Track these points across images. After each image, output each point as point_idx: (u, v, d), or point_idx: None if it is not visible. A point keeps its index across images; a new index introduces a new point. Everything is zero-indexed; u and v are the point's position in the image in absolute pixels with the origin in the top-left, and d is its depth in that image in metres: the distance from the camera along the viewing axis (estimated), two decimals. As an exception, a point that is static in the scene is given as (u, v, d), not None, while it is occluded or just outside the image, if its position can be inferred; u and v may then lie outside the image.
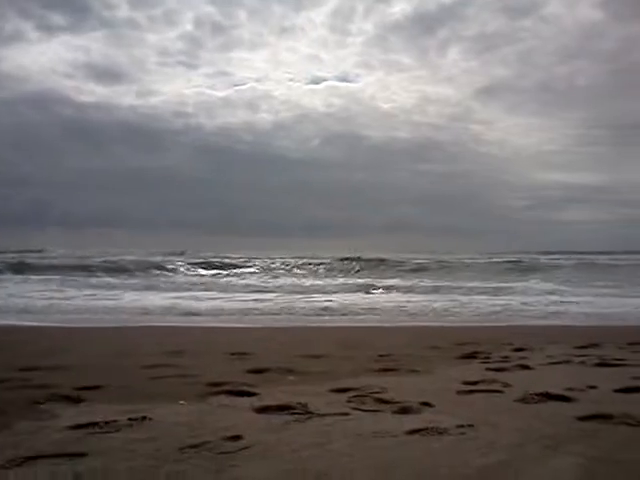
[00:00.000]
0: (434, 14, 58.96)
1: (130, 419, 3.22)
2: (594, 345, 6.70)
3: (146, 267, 24.12)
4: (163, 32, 63.57)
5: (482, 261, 29.80)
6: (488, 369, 5.06)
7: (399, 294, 15.87)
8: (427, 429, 3.02)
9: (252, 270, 24.42)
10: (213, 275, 23.16)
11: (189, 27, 64.53)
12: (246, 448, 2.77)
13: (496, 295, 15.81)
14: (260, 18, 65.72)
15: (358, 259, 27.64)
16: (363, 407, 3.57)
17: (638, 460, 2.59)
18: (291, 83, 65.77)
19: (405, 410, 3.45)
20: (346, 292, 16.52)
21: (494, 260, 29.41)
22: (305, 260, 27.05)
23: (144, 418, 3.25)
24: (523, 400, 3.74)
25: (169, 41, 62.76)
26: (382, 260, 27.25)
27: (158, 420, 3.25)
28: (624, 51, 59.25)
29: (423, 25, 61.88)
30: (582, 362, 5.45)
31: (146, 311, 11.69)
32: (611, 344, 6.79)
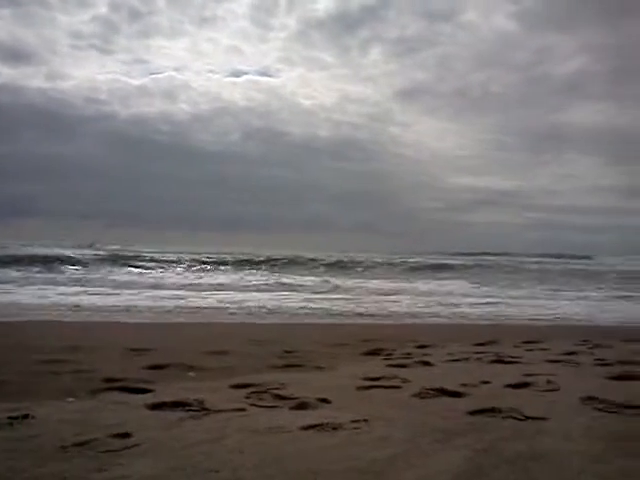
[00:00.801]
0: (356, 14, 59.73)
1: (10, 417, 3.03)
2: (492, 343, 6.98)
3: (49, 260, 22.98)
4: (76, 14, 60.56)
5: (398, 260, 30.44)
6: (390, 365, 5.15)
7: (306, 293, 15.92)
8: (322, 425, 3.02)
9: (161, 265, 23.73)
10: (120, 269, 22.37)
11: (104, 10, 61.88)
12: (134, 446, 2.66)
13: (401, 294, 16.21)
14: (179, 6, 64.13)
15: (268, 257, 27.49)
16: (260, 403, 3.54)
17: (520, 451, 2.69)
18: (211, 75, 64.66)
19: (302, 406, 3.44)
20: (254, 290, 16.43)
21: (404, 260, 30.11)
22: (217, 256, 26.57)
23: (26, 416, 3.06)
24: (419, 395, 3.82)
25: (82, 23, 60.02)
26: (293, 258, 27.24)
27: (42, 418, 3.07)
28: (536, 61, 62.19)
29: (345, 24, 62.54)
30: (479, 359, 5.65)
31: (43, 305, 11.14)
32: (508, 342, 7.08)
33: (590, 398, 3.73)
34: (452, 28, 60.39)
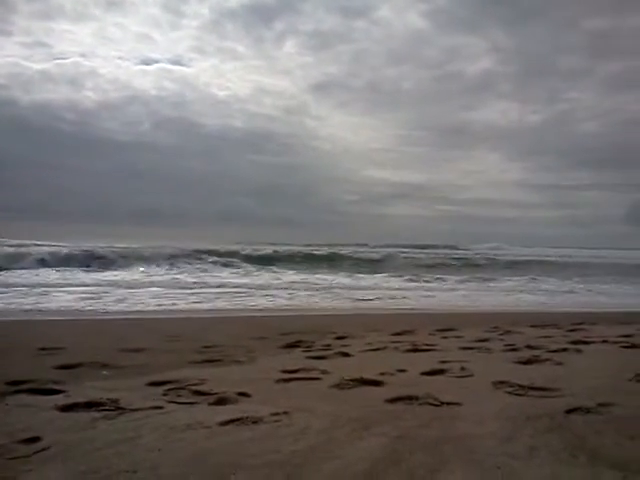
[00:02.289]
0: (271, 5, 59.24)
1: None
2: (408, 332, 7.15)
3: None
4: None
5: (314, 252, 30.55)
6: (309, 357, 5.18)
7: (226, 287, 15.76)
8: (242, 419, 3.00)
9: (66, 259, 22.65)
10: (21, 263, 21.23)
11: (-2, -14, 58.03)
12: (44, 450, 2.55)
13: (319, 284, 16.36)
14: (84, -12, 60.75)
15: (182, 250, 26.84)
16: (179, 400, 3.47)
17: (436, 437, 2.77)
18: (120, 62, 62.09)
19: (221, 401, 3.40)
20: (169, 285, 16.09)
21: (319, 252, 30.23)
22: (128, 249, 25.66)
23: None
24: (338, 386, 3.86)
25: (-26, 0, 55.99)
26: (205, 251, 26.73)
27: (-59, 425, 2.89)
28: (447, 60, 64.06)
29: (260, 15, 61.94)
30: (396, 348, 5.78)
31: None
32: (424, 331, 7.29)
33: (501, 382, 3.90)
34: (366, 24, 61.31)
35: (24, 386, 3.76)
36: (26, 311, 9.72)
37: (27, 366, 4.56)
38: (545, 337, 6.64)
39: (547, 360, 4.91)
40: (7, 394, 3.56)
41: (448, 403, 3.38)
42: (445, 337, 6.78)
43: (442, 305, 12.33)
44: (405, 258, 29.43)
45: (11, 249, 22.84)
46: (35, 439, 2.67)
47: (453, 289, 17.08)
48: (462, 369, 4.46)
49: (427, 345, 5.94)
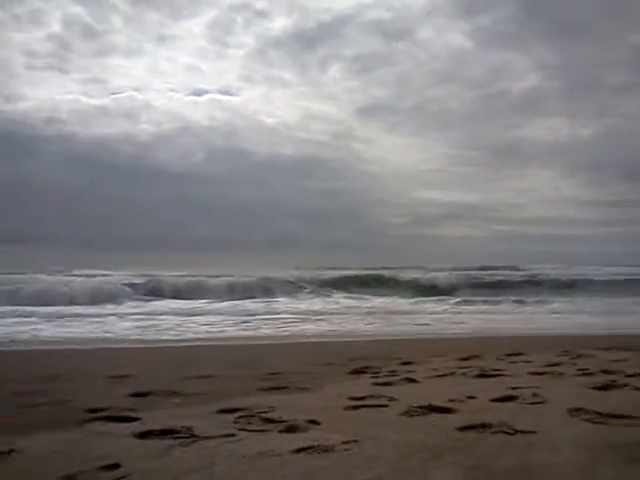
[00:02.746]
0: (313, 32, 60.02)
1: (-5, 452, 2.97)
2: (475, 357, 7.01)
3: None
4: (29, 32, 59.33)
5: (368, 274, 30.30)
6: (376, 384, 5.15)
7: (285, 314, 15.87)
8: (312, 447, 3.00)
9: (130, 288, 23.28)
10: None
11: (57, 28, 60.71)
12: (124, 477, 2.62)
13: (377, 308, 16.26)
14: (136, 25, 63.20)
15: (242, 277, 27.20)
16: (249, 427, 3.50)
17: (512, 466, 2.70)
18: (172, 94, 63.98)
19: (291, 429, 3.42)
20: (229, 312, 16.32)
21: (370, 275, 29.88)
22: (185, 276, 26.22)
23: (12, 451, 3.00)
24: (407, 413, 3.82)
25: (37, 42, 58.88)
26: (261, 277, 26.94)
27: (28, 452, 3.01)
28: (492, 79, 63.19)
29: (303, 42, 62.85)
30: (464, 374, 5.67)
31: (19, 332, 10.94)
32: (491, 355, 7.13)
33: (577, 409, 3.77)
34: (408, 45, 61.19)
35: (101, 414, 3.88)
36: (95, 340, 10.06)
37: (102, 394, 4.72)
38: (619, 361, 6.39)
39: (625, 385, 4.72)
40: (85, 421, 3.69)
41: (522, 431, 3.29)
42: (513, 362, 6.61)
43: (507, 328, 12.04)
44: (463, 280, 28.89)
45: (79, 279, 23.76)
46: (115, 466, 2.74)
47: (516, 311, 16.69)
48: (534, 395, 4.34)
49: (495, 370, 5.81)
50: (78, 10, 55.97)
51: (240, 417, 3.75)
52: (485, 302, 19.80)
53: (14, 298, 18.85)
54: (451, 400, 4.16)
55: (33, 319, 13.51)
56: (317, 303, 20.09)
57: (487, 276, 30.31)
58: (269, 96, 65.71)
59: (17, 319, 13.51)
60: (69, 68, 63.93)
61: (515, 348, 7.82)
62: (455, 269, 31.56)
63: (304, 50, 63.23)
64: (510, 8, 55.25)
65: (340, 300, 21.09)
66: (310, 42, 61.61)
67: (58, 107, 56.96)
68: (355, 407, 4.11)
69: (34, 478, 2.60)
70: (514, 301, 19.68)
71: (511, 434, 3.26)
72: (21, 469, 2.75)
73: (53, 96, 56.08)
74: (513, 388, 4.67)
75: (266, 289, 24.63)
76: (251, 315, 14.99)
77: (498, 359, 6.85)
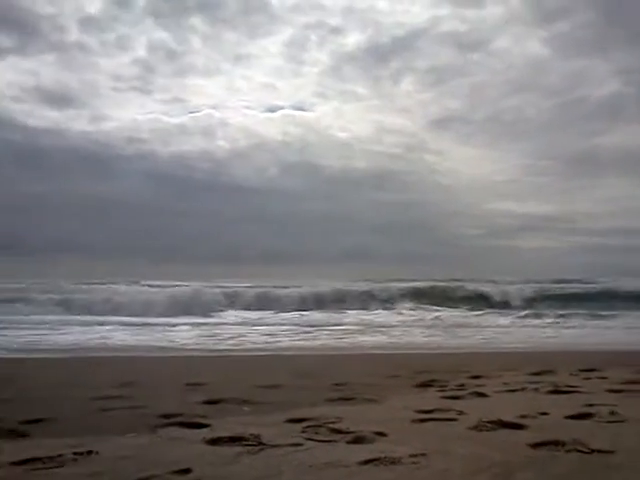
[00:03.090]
0: (387, 46, 60.15)
1: (75, 453, 3.10)
2: (548, 372, 6.80)
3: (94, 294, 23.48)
4: (116, 57, 62.65)
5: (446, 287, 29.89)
6: (444, 397, 5.07)
7: (353, 324, 15.85)
8: (380, 459, 2.99)
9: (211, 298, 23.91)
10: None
11: (142, 52, 63.84)
12: (195, 482, 2.69)
13: (448, 320, 16.00)
14: (214, 45, 65.46)
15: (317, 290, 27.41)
16: (317, 437, 3.52)
17: (587, 486, 2.61)
18: (247, 111, 65.54)
19: (359, 440, 3.41)
20: (297, 323, 16.44)
21: (441, 288, 29.39)
22: (261, 289, 26.68)
23: (90, 452, 3.13)
24: (476, 428, 3.74)
25: (122, 66, 62.00)
26: (330, 289, 27.01)
27: (105, 454, 3.14)
28: (570, 86, 61.22)
29: (376, 56, 63.07)
30: (536, 389, 5.51)
31: (96, 340, 11.41)
32: (564, 371, 6.90)
33: (657, 429, 3.60)
34: (483, 56, 60.19)
35: (174, 419, 4.00)
36: (169, 348, 10.36)
37: (175, 400, 4.85)
38: None
39: None
40: (159, 426, 3.80)
41: (599, 450, 3.16)
42: (588, 378, 6.37)
43: (581, 343, 11.61)
44: (536, 292, 27.99)
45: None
46: (187, 470, 2.82)
47: (591, 325, 16.06)
48: (612, 413, 4.16)
49: (569, 386, 5.61)
50: (162, 35, 58.85)
51: (308, 427, 3.78)
52: (559, 315, 19.16)
53: (94, 307, 19.74)
54: (522, 416, 4.05)
55: (107, 327, 14.07)
56: (385, 315, 20.02)
57: (561, 288, 29.25)
58: (342, 110, 66.36)
59: (93, 327, 14.10)
60: (151, 89, 66.81)
61: (589, 364, 7.53)
62: (529, 281, 30.63)
63: (377, 64, 63.65)
64: (589, 14, 53.86)
65: (408, 312, 20.91)
66: (383, 56, 61.97)
67: (139, 127, 59.76)
68: (422, 420, 4.07)
69: (110, 479, 2.71)
70: (589, 315, 18.96)
71: (587, 453, 3.14)
72: (97, 470, 2.86)
73: (135, 116, 58.78)
74: (588, 405, 4.50)
75: (335, 300, 24.73)
76: (318, 326, 15.08)
77: (572, 375, 6.61)
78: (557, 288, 28.84)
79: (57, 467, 2.91)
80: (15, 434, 3.61)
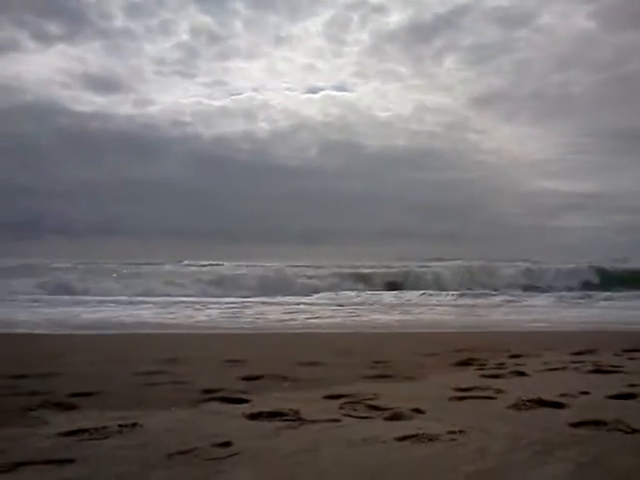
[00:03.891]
0: (430, 24, 58.98)
1: (120, 426, 3.21)
2: (590, 351, 6.69)
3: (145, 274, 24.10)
4: (160, 42, 63.30)
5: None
6: (482, 376, 5.05)
7: (390, 304, 15.84)
8: (417, 435, 3.01)
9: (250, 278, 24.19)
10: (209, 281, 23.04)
11: (185, 37, 64.36)
12: (235, 454, 2.75)
13: (487, 300, 15.84)
14: (256, 28, 65.44)
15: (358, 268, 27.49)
16: (354, 414, 3.56)
17: (630, 465, 2.58)
18: (288, 92, 65.58)
19: (396, 416, 3.44)
20: (335, 302, 16.50)
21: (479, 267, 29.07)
22: (304, 269, 26.90)
23: (134, 425, 3.24)
24: (516, 406, 3.72)
25: (166, 51, 62.62)
26: (369, 267, 27.02)
27: (148, 427, 3.24)
28: (617, 60, 58.99)
29: (419, 35, 61.96)
30: (577, 368, 5.44)
31: (140, 318, 11.70)
32: (607, 351, 6.77)
33: (703, 410, 3.52)
34: (528, 32, 58.41)
35: (215, 394, 4.09)
36: (207, 327, 10.55)
37: (216, 376, 4.96)
38: None
39: None
40: (201, 401, 3.91)
41: (641, 430, 3.12)
42: (632, 358, 6.23)
43: (625, 323, 11.35)
44: (578, 272, 27.40)
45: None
46: (227, 444, 2.89)
47: (635, 306, 15.67)
48: (655, 394, 4.09)
49: (612, 367, 5.51)
50: (205, 19, 59.25)
51: (346, 403, 3.82)
52: (603, 296, 18.76)
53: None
54: (563, 395, 4.01)
55: (148, 305, 14.41)
56: (423, 294, 19.90)
57: (606, 269, 28.54)
58: (383, 90, 65.75)
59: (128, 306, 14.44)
60: (193, 73, 67.56)
61: (634, 344, 7.37)
62: (572, 261, 29.98)
63: (419, 43, 62.82)
64: (638, -16, 51.70)
65: (447, 291, 20.75)
66: (425, 34, 61.11)
67: (182, 110, 60.53)
68: (461, 398, 4.06)
69: (153, 451, 2.79)
70: (634, 295, 18.48)
71: (628, 433, 3.10)
72: (142, 442, 2.96)
73: (178, 100, 59.58)
74: (631, 385, 4.42)
75: (372, 279, 24.75)
76: (356, 304, 15.12)
77: (615, 355, 6.49)
78: (601, 268, 28.17)
79: (103, 438, 3.02)
80: (63, 407, 3.75)
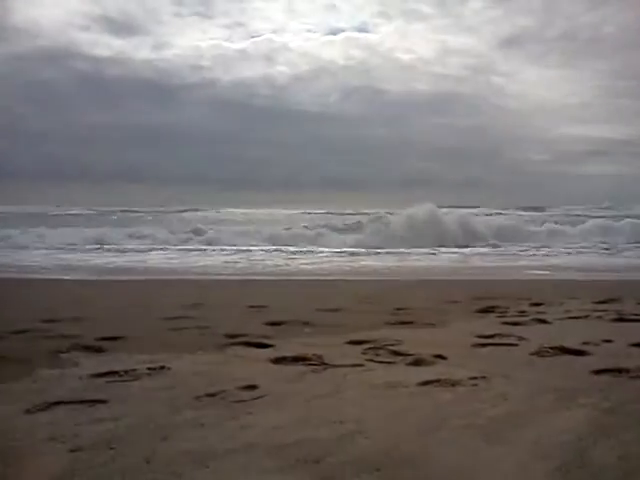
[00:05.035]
0: (456, -41, 56.94)
1: (149, 368, 3.31)
2: (613, 300, 6.65)
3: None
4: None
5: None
6: (504, 323, 5.06)
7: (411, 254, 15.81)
8: (439, 381, 3.06)
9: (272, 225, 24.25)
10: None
11: (202, -24, 62.73)
12: (261, 397, 2.83)
13: (510, 249, 15.77)
14: (277, -35, 63.82)
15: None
16: (377, 359, 3.62)
17: (650, 412, 2.60)
18: (309, 34, 64.33)
19: (418, 362, 3.48)
20: (356, 250, 16.50)
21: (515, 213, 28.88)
22: (325, 215, 26.89)
23: (162, 368, 3.34)
24: (538, 353, 3.75)
25: (183, -9, 61.37)
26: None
27: (176, 370, 3.33)
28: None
29: (444, -28, 59.90)
30: (600, 317, 5.42)
31: (167, 264, 11.88)
32: (630, 299, 6.73)
33: None
34: (559, -31, 56.21)
35: (239, 339, 4.17)
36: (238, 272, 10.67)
37: (240, 321, 5.04)
38: None
39: None
40: (226, 345, 3.99)
41: (664, 378, 3.13)
42: (657, 307, 6.20)
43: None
44: (607, 220, 27.00)
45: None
46: (253, 387, 2.96)
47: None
48: (679, 342, 4.07)
49: (635, 315, 5.49)
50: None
51: (368, 349, 3.88)
52: (627, 244, 18.52)
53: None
54: (585, 343, 4.02)
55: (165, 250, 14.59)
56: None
57: (633, 216, 28.09)
58: (406, 31, 64.18)
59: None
60: (212, 14, 66.01)
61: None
62: (597, 208, 29.54)
63: (444, -19, 60.61)
64: None
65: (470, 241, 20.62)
66: (451, -29, 58.86)
67: (201, 53, 59.45)
68: (482, 345, 4.09)
69: (181, 393, 2.88)
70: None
71: (651, 380, 3.12)
72: (170, 384, 3.05)
73: (197, 43, 58.49)
74: (655, 334, 4.41)
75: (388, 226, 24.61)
76: (377, 250, 15.14)
77: (639, 304, 6.45)
78: (628, 215, 27.74)
79: (133, 380, 3.12)
80: (92, 349, 3.87)
